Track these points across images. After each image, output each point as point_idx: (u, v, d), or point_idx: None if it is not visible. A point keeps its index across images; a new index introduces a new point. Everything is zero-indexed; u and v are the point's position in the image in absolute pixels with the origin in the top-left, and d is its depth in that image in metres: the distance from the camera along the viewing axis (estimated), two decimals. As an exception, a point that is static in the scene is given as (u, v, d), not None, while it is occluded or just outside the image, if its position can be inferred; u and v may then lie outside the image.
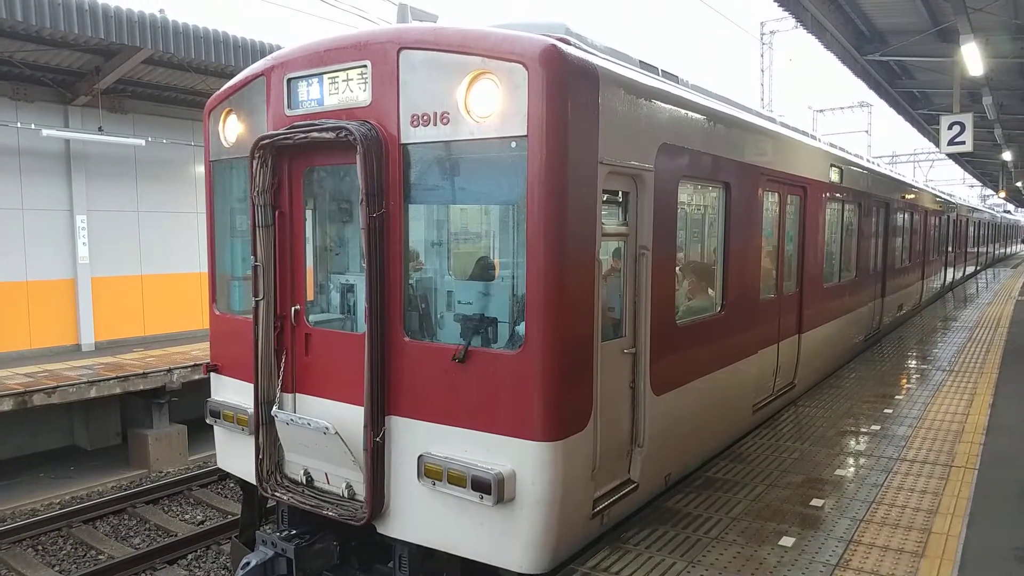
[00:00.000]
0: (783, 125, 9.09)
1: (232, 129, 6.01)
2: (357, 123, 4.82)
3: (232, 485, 10.71)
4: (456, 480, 4.55)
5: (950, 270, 24.47)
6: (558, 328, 4.40)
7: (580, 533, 4.90)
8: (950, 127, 13.60)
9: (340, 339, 5.41)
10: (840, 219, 11.00)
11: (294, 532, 5.56)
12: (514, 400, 4.47)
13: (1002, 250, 55.11)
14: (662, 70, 6.16)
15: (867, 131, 42.80)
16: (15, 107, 13.15)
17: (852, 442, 7.57)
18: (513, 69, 4.33)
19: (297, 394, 5.53)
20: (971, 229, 30.47)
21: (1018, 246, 74.76)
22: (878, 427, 8.07)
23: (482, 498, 4.44)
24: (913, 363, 11.96)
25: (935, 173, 50.37)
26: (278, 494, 5.48)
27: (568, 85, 4.39)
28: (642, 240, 5.36)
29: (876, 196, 12.79)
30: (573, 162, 4.43)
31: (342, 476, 5.24)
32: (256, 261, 5.43)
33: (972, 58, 11.01)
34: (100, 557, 9.00)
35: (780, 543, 5.15)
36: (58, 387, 10.97)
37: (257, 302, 5.44)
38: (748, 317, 7.38)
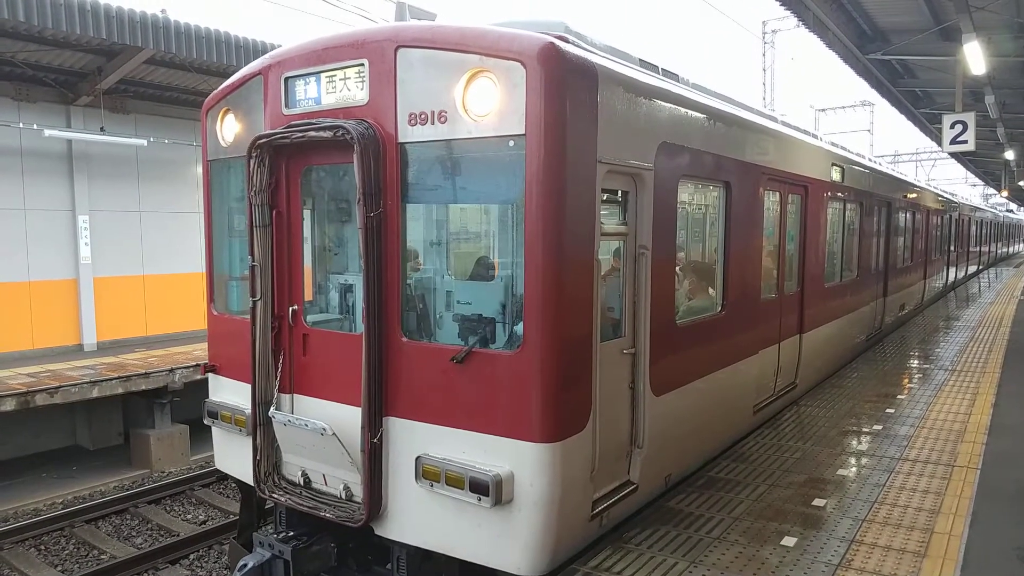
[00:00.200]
0: (784, 124, 9.06)
1: (230, 128, 5.98)
2: (354, 122, 4.79)
3: (233, 485, 10.72)
4: (454, 482, 4.53)
5: (952, 269, 24.44)
6: (556, 328, 4.37)
7: (579, 535, 4.87)
8: (952, 126, 13.56)
9: (338, 339, 5.38)
10: (842, 218, 10.97)
11: (291, 534, 5.53)
12: (512, 401, 4.45)
13: (1004, 249, 55.03)
14: (662, 68, 6.13)
15: (869, 130, 42.71)
16: (17, 107, 13.17)
17: (854, 442, 7.56)
18: (511, 67, 4.30)
19: (295, 395, 5.50)
20: (973, 228, 30.43)
21: (1020, 245, 74.63)
22: (880, 427, 8.06)
23: (480, 500, 4.41)
24: (915, 363, 11.94)
25: (937, 172, 50.33)
26: (275, 495, 5.45)
27: (566, 83, 4.36)
28: (642, 240, 5.33)
29: (878, 195, 12.77)
30: (571, 161, 4.40)
31: (340, 477, 5.21)
32: (253, 261, 5.40)
33: (974, 57, 10.99)
34: (102, 557, 9.01)
35: (782, 543, 5.15)
36: (60, 387, 10.99)
37: (255, 302, 5.41)
38: (749, 317, 7.35)
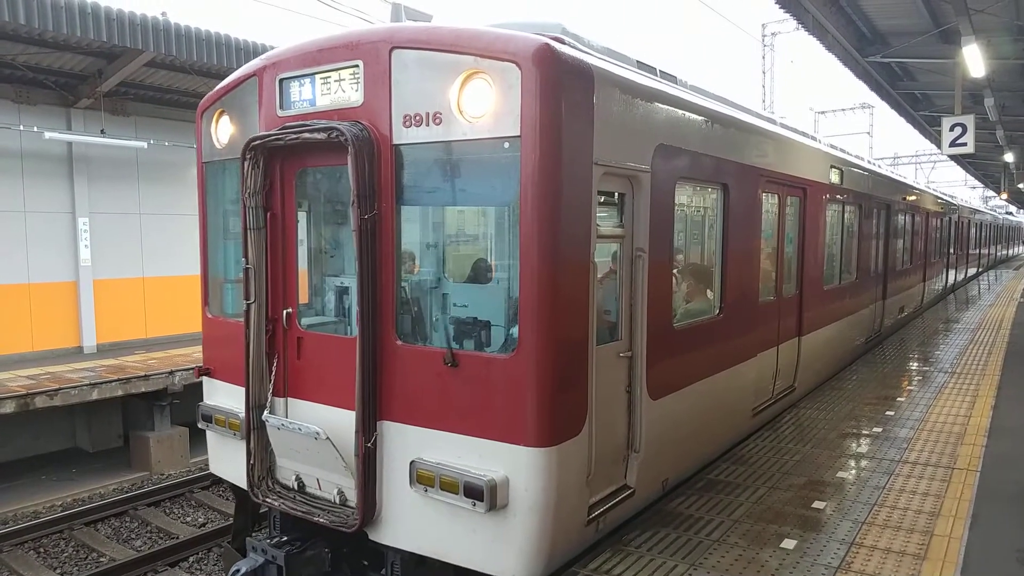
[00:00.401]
0: (783, 126, 9.06)
1: (224, 130, 5.95)
2: (348, 123, 4.76)
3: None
4: (448, 486, 4.49)
5: (952, 272, 24.44)
6: (552, 331, 4.34)
7: (575, 540, 4.83)
8: (952, 129, 13.58)
9: (332, 342, 5.35)
10: (840, 221, 10.96)
11: (285, 539, 5.49)
12: (507, 405, 4.41)
13: (1004, 252, 55.03)
14: (660, 70, 6.11)
15: (869, 133, 42.83)
16: (17, 110, 13.17)
17: (854, 444, 7.56)
18: (506, 68, 4.28)
19: (289, 398, 5.46)
20: (973, 231, 30.44)
21: (1020, 248, 74.64)
22: (880, 429, 8.06)
23: (474, 505, 4.36)
24: (915, 365, 11.94)
25: (937, 175, 50.37)
26: (269, 500, 5.42)
27: (562, 85, 4.33)
28: (638, 242, 5.30)
29: (877, 197, 12.77)
30: (567, 163, 4.37)
31: (334, 482, 5.17)
32: (247, 264, 5.37)
33: (974, 59, 11.00)
34: (101, 559, 9.00)
35: (782, 546, 5.15)
36: (60, 389, 10.99)
37: (248, 305, 5.37)
38: (747, 320, 7.33)
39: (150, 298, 15.25)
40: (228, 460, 6.07)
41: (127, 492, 11.22)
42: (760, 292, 7.67)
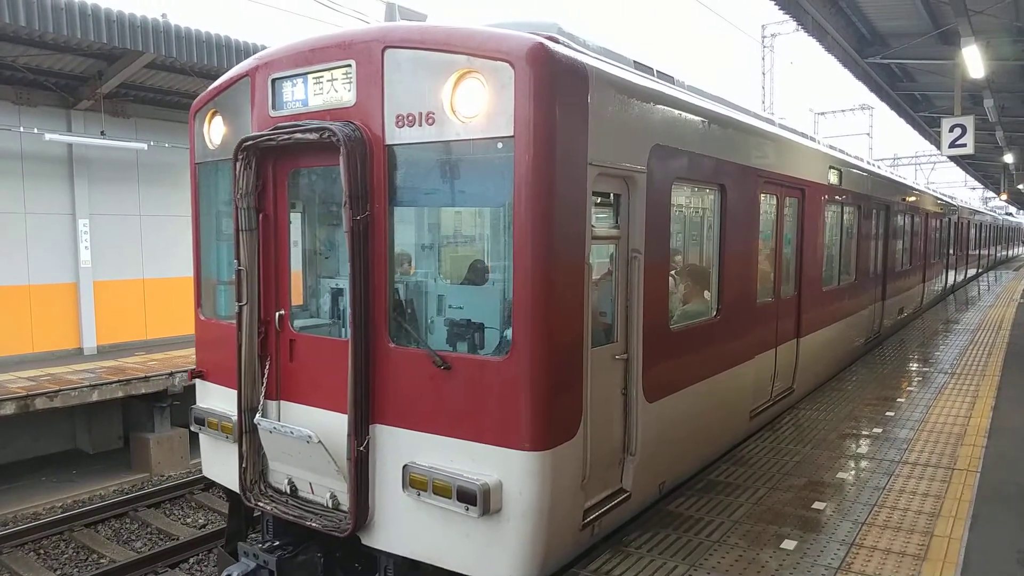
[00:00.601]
0: (781, 126, 9.04)
1: (217, 131, 5.88)
2: (341, 124, 4.71)
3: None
4: (441, 491, 4.43)
5: (951, 273, 24.45)
6: (546, 333, 4.28)
7: (570, 544, 4.78)
8: (951, 129, 13.59)
9: (325, 345, 5.29)
10: (839, 222, 10.94)
11: (277, 543, 5.44)
12: (501, 408, 4.35)
13: (1004, 253, 55.05)
14: (657, 70, 6.07)
15: (868, 134, 42.89)
16: (18, 111, 13.18)
17: (854, 445, 7.56)
18: (499, 68, 4.23)
19: (281, 401, 5.40)
20: (972, 232, 30.44)
21: (1020, 249, 74.66)
22: (880, 430, 8.06)
23: (468, 509, 4.31)
24: (915, 366, 11.95)
25: (937, 176, 50.41)
26: (261, 504, 5.36)
27: (556, 84, 4.29)
28: (634, 243, 5.24)
29: (876, 198, 12.76)
30: (561, 163, 4.32)
31: (326, 486, 5.10)
32: (239, 266, 5.30)
33: (973, 61, 11.01)
34: (102, 561, 9.00)
35: (782, 546, 5.15)
36: (60, 391, 10.99)
37: (240, 307, 5.31)
38: (744, 321, 7.29)
39: (150, 299, 15.25)
40: (221, 463, 5.99)
41: (127, 493, 11.22)
42: (758, 293, 7.63)
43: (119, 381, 11.68)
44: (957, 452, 7.24)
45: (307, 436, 4.85)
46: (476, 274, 5.39)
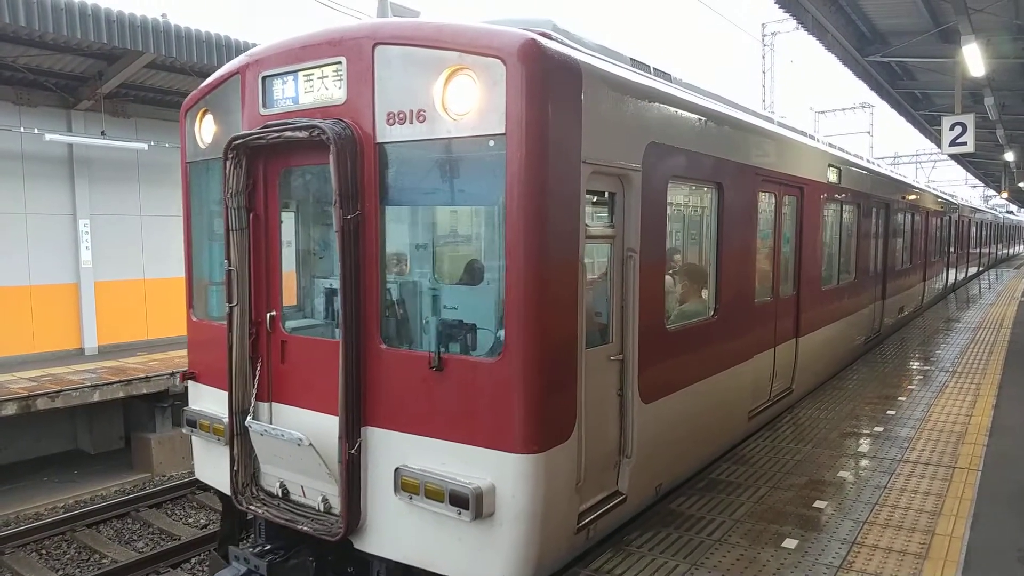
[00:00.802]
0: (780, 124, 9.00)
1: (208, 129, 5.81)
2: (331, 122, 4.64)
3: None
4: (433, 494, 4.36)
5: (952, 271, 24.43)
6: (539, 334, 4.21)
7: (564, 548, 4.71)
8: (952, 128, 13.59)
9: (316, 346, 5.21)
10: (839, 220, 10.91)
11: (268, 547, 5.38)
12: (493, 410, 4.29)
13: (1005, 251, 55.04)
14: (654, 68, 6.01)
15: (869, 132, 42.84)
16: (18, 112, 13.19)
17: (855, 444, 7.56)
18: (490, 64, 4.16)
19: (273, 403, 5.33)
20: (973, 230, 30.42)
21: (1021, 247, 74.63)
22: (881, 428, 8.06)
23: (460, 513, 4.24)
24: (916, 364, 11.95)
25: (937, 174, 50.34)
26: (253, 507, 5.29)
27: (548, 81, 4.22)
28: (629, 242, 5.17)
29: (876, 197, 12.74)
30: (554, 161, 4.26)
31: (318, 489, 5.04)
32: (230, 266, 5.24)
33: (973, 59, 11.01)
34: (104, 561, 9.02)
35: (783, 545, 5.15)
36: (61, 391, 11.00)
37: (231, 308, 5.24)
38: (742, 321, 7.22)
39: (151, 300, 15.26)
40: (213, 466, 5.92)
41: (129, 493, 11.23)
42: (756, 293, 7.57)
43: (120, 381, 11.69)
44: (958, 451, 7.24)
45: (298, 439, 4.79)
46: (469, 274, 5.31)
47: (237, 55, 12.72)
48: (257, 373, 5.32)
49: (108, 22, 11.51)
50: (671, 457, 5.97)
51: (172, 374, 12.23)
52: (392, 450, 4.66)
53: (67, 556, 9.20)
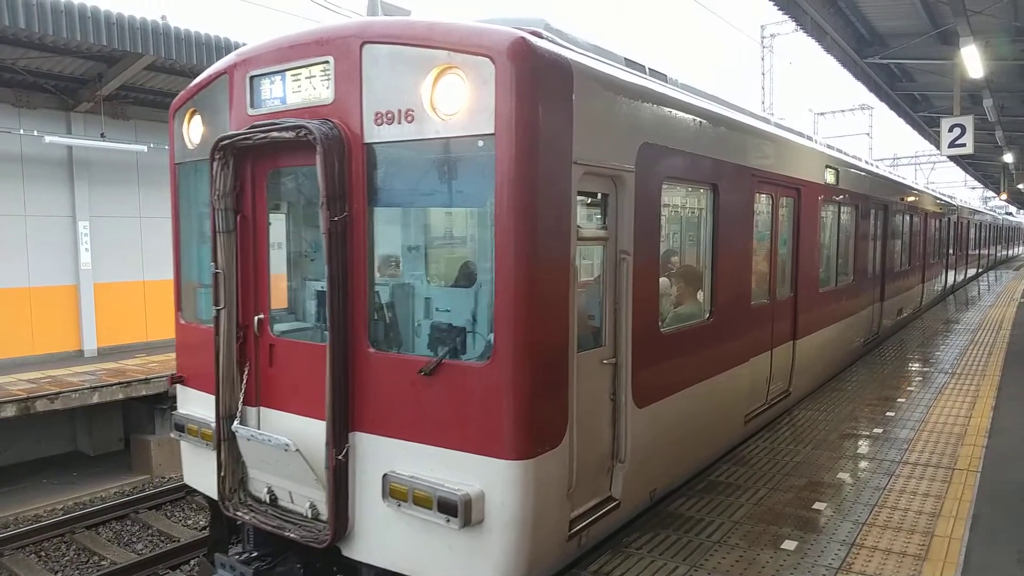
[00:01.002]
0: (776, 125, 8.97)
1: (196, 130, 5.75)
2: (318, 122, 4.56)
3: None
4: (422, 501, 4.28)
5: (951, 273, 24.43)
6: (529, 337, 4.13)
7: (556, 556, 4.63)
8: (951, 129, 13.62)
9: (304, 350, 5.11)
10: (836, 222, 10.87)
11: (255, 554, 5.32)
12: (482, 415, 4.20)
13: (1004, 252, 55.05)
14: (649, 68, 5.96)
15: (868, 134, 42.94)
16: (18, 114, 13.20)
17: (854, 445, 7.56)
18: (480, 63, 4.09)
19: (261, 408, 5.25)
20: (972, 231, 30.42)
21: (1020, 248, 74.66)
22: (880, 430, 8.07)
23: (448, 520, 4.16)
24: (915, 366, 11.95)
25: (936, 175, 50.44)
26: (240, 513, 5.22)
27: (538, 80, 4.15)
28: (623, 244, 5.09)
29: (874, 198, 12.72)
30: (544, 162, 4.18)
31: (306, 495, 4.95)
32: (217, 268, 5.16)
33: (972, 60, 11.02)
34: (103, 563, 9.00)
35: (782, 547, 5.15)
36: (61, 393, 11.00)
37: (218, 311, 5.16)
38: (739, 323, 7.16)
39: (151, 301, 15.25)
40: (201, 471, 5.83)
41: (128, 495, 11.22)
42: (753, 295, 7.50)
43: (120, 383, 11.69)
44: (958, 452, 7.25)
45: (284, 444, 4.71)
46: (459, 277, 5.25)
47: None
48: (245, 377, 5.25)
49: (108, 24, 11.52)
50: (666, 462, 5.90)
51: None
52: (380, 456, 4.58)
53: (66, 558, 9.19)
